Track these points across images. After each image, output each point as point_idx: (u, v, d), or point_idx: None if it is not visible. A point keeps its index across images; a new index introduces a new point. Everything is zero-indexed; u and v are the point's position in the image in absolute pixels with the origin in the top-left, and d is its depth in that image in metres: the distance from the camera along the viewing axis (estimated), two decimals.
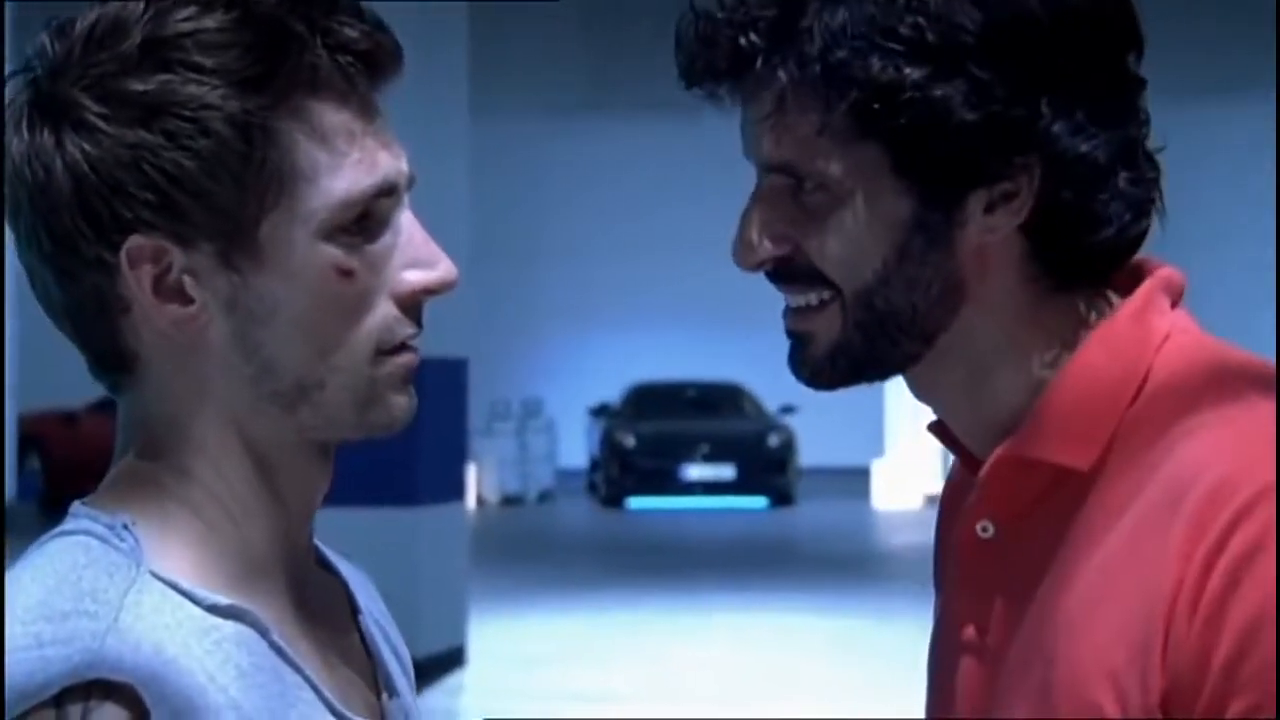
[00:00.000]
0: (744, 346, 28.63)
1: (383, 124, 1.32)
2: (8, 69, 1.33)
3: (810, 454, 24.78)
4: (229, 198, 1.26)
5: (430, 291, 1.32)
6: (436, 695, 9.92)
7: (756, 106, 1.36)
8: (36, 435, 21.48)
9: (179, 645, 1.24)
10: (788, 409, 24.76)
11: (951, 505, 1.52)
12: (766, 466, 23.52)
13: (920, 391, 1.42)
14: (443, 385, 10.16)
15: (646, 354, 28.45)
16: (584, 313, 29.86)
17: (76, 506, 1.31)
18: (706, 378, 26.03)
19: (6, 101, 1.30)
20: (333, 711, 1.32)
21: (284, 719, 1.28)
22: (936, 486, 24.46)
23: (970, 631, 1.40)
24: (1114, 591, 1.29)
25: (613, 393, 26.07)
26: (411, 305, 1.32)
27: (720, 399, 25.29)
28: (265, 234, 1.27)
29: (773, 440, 23.73)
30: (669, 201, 29.33)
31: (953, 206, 1.34)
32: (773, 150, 1.35)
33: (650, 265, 29.52)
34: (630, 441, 23.80)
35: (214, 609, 1.27)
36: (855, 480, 24.30)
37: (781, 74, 1.33)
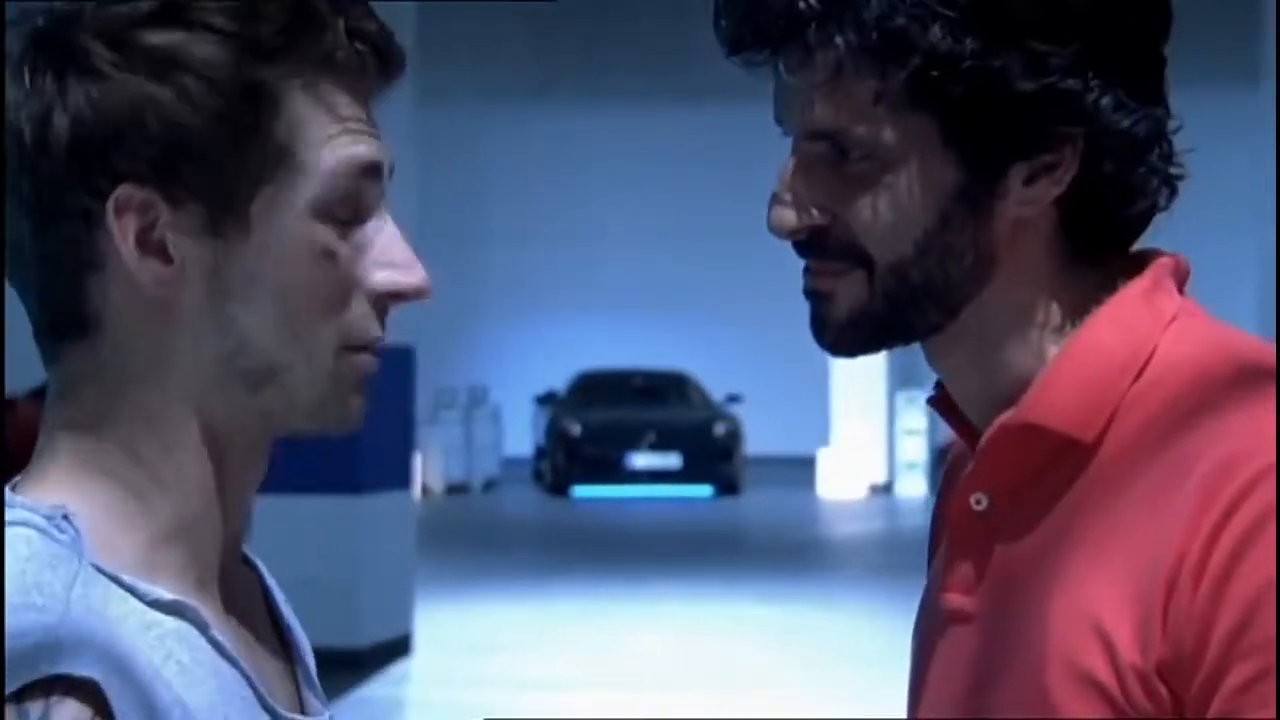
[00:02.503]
0: (691, 335, 28.70)
1: (374, 118, 1.32)
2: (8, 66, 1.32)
3: (756, 443, 24.82)
4: (228, 161, 1.25)
5: (402, 296, 1.31)
6: (382, 684, 9.90)
7: (806, 73, 1.35)
8: None
9: (128, 640, 1.21)
10: (734, 398, 24.80)
11: (950, 483, 1.53)
12: (712, 455, 23.54)
13: (933, 358, 1.43)
14: (389, 373, 10.03)
15: (593, 342, 28.44)
16: (530, 301, 29.83)
17: (9, 494, 1.27)
18: (653, 366, 26.03)
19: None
20: (265, 708, 1.30)
21: (223, 715, 1.26)
22: (882, 476, 24.55)
23: (961, 601, 1.41)
24: (1111, 559, 1.30)
25: (559, 381, 26.06)
26: (380, 307, 1.31)
27: (666, 388, 25.31)
28: (257, 204, 1.26)
29: (719, 429, 23.76)
30: (616, 189, 29.32)
31: (996, 177, 1.35)
32: (824, 117, 1.35)
33: (597, 253, 29.52)
34: (576, 430, 23.79)
35: (156, 604, 1.25)
36: (801, 469, 24.35)
37: (839, 40, 1.33)
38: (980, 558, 1.40)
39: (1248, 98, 13.84)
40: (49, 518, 1.23)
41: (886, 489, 23.22)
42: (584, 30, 26.18)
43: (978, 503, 1.39)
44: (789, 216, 1.38)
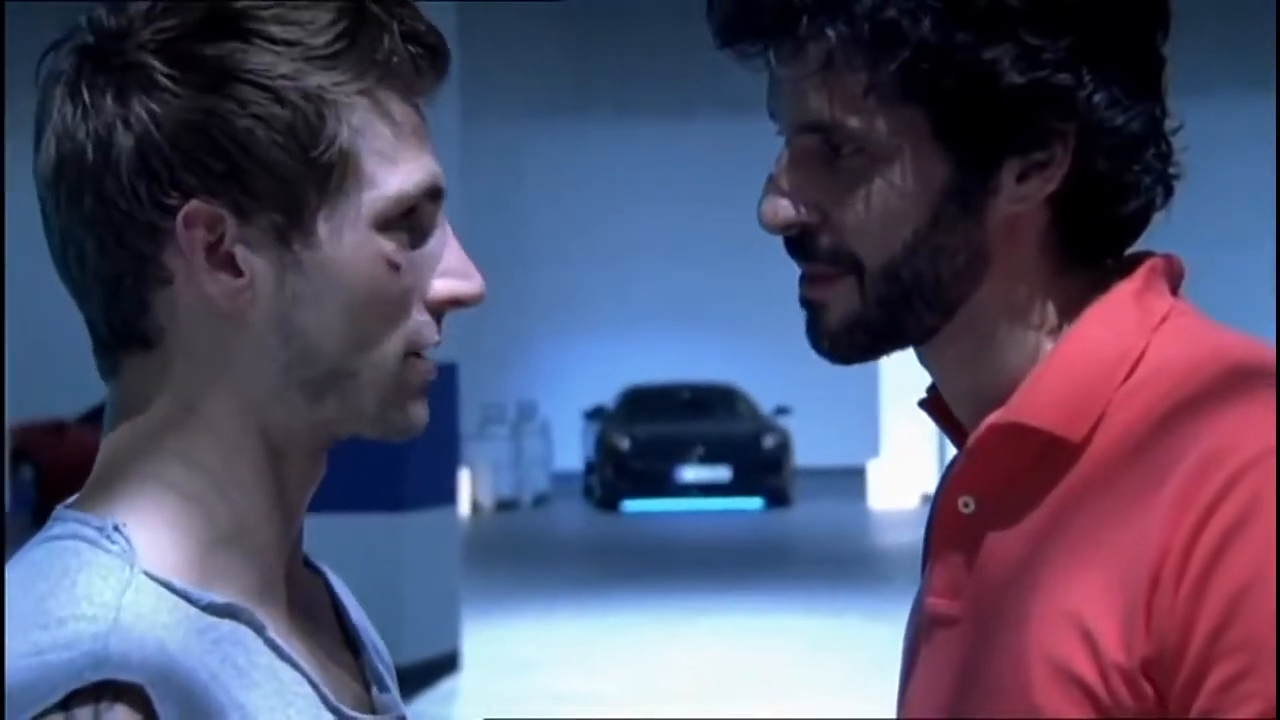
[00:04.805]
0: (738, 348, 28.68)
1: (427, 122, 1.32)
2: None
3: (806, 454, 24.80)
4: (295, 171, 1.25)
5: (460, 303, 1.32)
6: (430, 701, 9.90)
7: (798, 65, 1.34)
8: (27, 446, 21.49)
9: (179, 645, 1.21)
10: (782, 410, 24.76)
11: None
12: (762, 467, 23.52)
13: (926, 359, 1.42)
14: (433, 390, 10.10)
15: (641, 356, 28.45)
16: (578, 315, 29.87)
17: (61, 510, 1.28)
18: (701, 379, 26.04)
19: (42, 75, 1.29)
20: (329, 707, 1.30)
21: (284, 716, 1.26)
22: (932, 486, 24.59)
23: (945, 606, 1.40)
24: (1096, 558, 1.29)
25: (607, 395, 26.07)
26: (439, 314, 1.32)
27: (715, 400, 25.30)
28: (324, 215, 1.26)
29: (768, 441, 23.74)
30: (662, 203, 29.34)
31: (988, 174, 1.34)
32: (815, 109, 1.35)
33: (644, 267, 29.54)
34: (625, 444, 23.79)
35: (210, 608, 1.25)
36: (851, 480, 24.31)
37: (830, 32, 1.32)
38: (966, 561, 1.39)
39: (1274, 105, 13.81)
40: (100, 529, 1.24)
41: None
42: (628, 45, 26.21)
43: (965, 505, 1.39)
44: (779, 210, 1.37)
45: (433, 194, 1.30)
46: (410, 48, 1.28)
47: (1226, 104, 21.52)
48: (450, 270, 1.31)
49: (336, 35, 1.25)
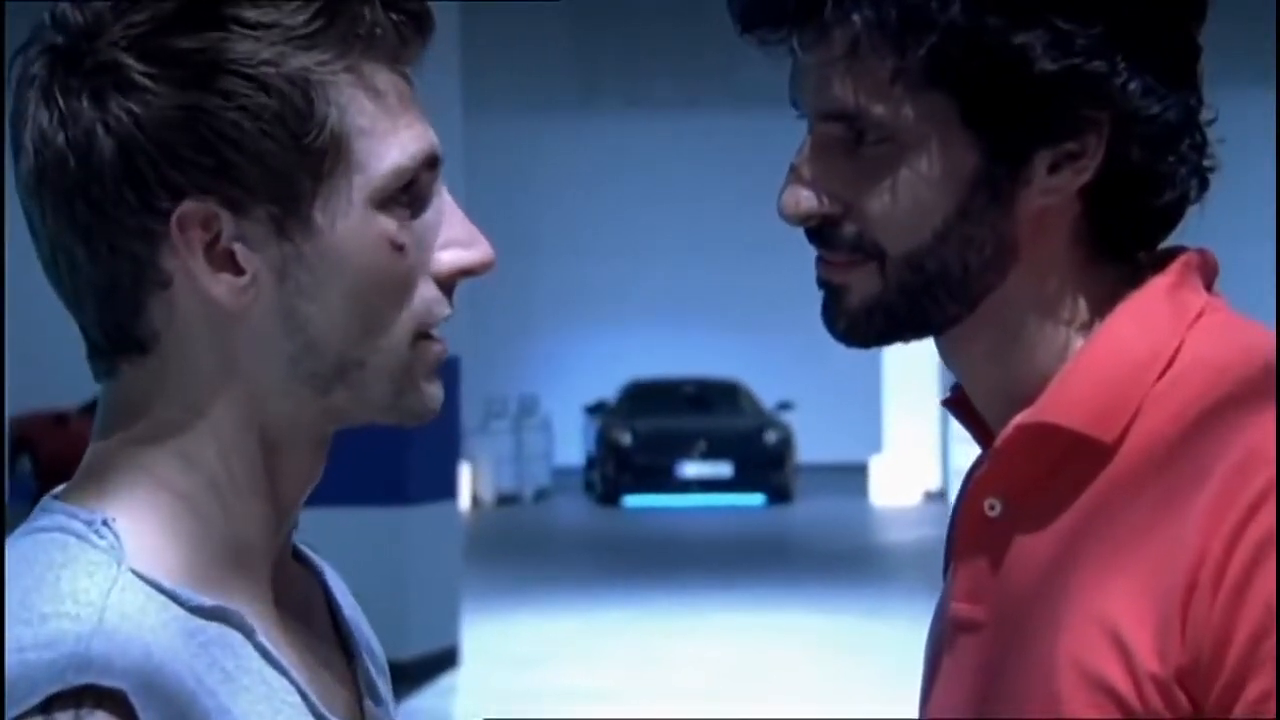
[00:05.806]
0: (741, 343, 28.68)
1: (417, 95, 1.28)
2: (8, 68, 1.26)
3: (808, 450, 24.78)
4: (287, 160, 1.21)
5: (469, 272, 1.28)
6: (430, 696, 9.89)
7: (822, 51, 1.32)
8: (28, 437, 21.48)
9: (166, 648, 1.17)
10: (785, 405, 24.75)
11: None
12: (764, 463, 23.50)
13: (948, 354, 1.39)
14: None
15: (643, 351, 28.44)
16: (580, 310, 29.86)
17: (48, 501, 1.25)
18: (703, 374, 26.01)
19: (14, 79, 1.24)
20: (316, 716, 1.26)
21: None
22: (935, 483, 24.65)
23: (969, 610, 1.37)
24: (1129, 564, 1.26)
25: (609, 390, 26.06)
26: (448, 286, 1.28)
27: (717, 396, 25.28)
28: (320, 201, 1.22)
29: (770, 437, 23.72)
30: (665, 198, 29.33)
31: (1018, 163, 1.31)
32: (840, 96, 1.32)
33: (647, 262, 29.52)
34: (627, 439, 23.78)
35: (198, 610, 1.21)
36: (853, 477, 24.30)
37: (856, 17, 1.30)
38: (991, 564, 1.35)
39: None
40: (88, 523, 1.21)
41: (941, 495, 23.12)
42: (632, 40, 26.19)
43: (991, 508, 1.35)
44: (801, 201, 1.34)
45: (430, 163, 1.25)
46: (392, 16, 1.23)
47: (1228, 99, 21.49)
48: (454, 240, 1.27)
49: (315, 12, 1.21)
